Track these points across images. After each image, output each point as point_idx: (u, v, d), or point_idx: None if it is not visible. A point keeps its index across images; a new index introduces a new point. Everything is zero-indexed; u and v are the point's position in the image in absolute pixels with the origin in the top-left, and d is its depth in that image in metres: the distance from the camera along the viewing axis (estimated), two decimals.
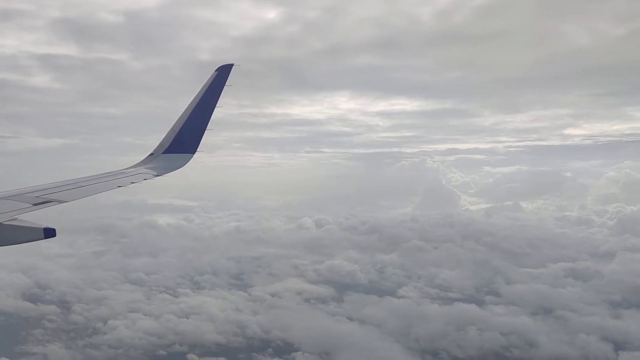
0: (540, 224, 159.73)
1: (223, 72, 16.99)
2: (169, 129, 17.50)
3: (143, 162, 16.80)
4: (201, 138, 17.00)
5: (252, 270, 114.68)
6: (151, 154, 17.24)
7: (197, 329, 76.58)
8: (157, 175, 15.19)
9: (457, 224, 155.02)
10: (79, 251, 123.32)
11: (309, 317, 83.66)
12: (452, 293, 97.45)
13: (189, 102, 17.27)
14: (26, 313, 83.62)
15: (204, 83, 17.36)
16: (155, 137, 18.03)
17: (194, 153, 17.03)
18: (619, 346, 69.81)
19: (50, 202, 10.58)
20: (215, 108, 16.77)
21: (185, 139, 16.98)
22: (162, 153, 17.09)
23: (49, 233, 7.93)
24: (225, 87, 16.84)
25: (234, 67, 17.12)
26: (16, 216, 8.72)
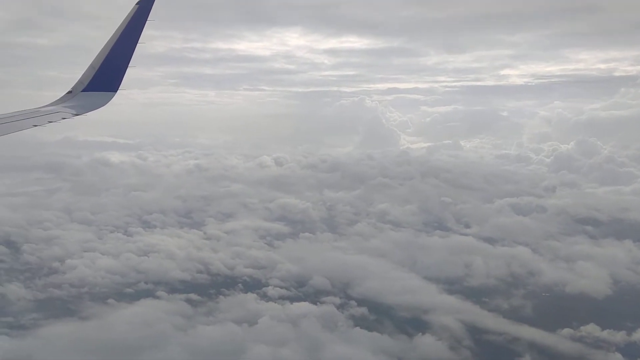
0: (482, 162, 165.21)
1: (144, 6, 15.67)
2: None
3: (61, 100, 15.94)
4: (123, 76, 16.15)
5: (199, 209, 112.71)
6: (69, 92, 16.24)
7: (160, 267, 74.46)
8: (77, 115, 14.62)
9: (414, 161, 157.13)
10: (24, 190, 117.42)
11: (270, 253, 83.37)
12: (403, 228, 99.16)
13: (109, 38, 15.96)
14: None
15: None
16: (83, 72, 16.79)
17: (115, 91, 16.25)
18: (613, 276, 71.35)
19: None
20: (143, 43, 15.63)
21: (105, 77, 15.99)
22: (82, 91, 16.10)
23: None
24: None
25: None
26: None
